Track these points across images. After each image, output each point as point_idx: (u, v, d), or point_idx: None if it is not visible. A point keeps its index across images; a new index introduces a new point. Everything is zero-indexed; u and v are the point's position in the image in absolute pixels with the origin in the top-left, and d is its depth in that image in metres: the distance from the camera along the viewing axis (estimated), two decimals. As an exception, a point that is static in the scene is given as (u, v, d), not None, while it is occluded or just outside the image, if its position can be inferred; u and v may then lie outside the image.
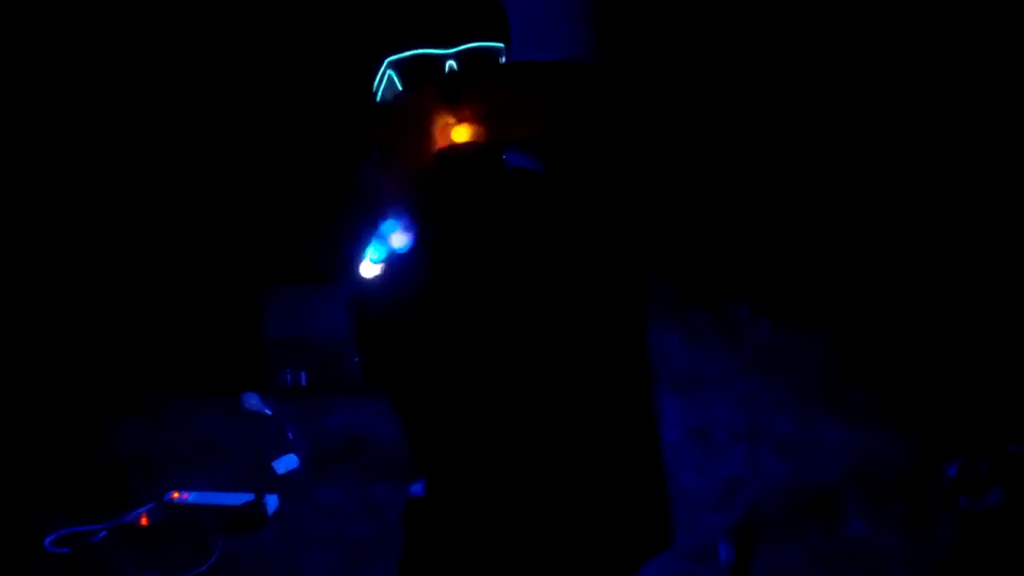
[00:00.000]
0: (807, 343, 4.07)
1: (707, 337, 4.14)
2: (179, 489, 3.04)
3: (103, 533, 2.87)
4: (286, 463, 3.28)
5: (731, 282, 4.38)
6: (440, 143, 1.33)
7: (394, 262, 1.36)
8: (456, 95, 1.35)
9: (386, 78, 1.44)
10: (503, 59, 1.46)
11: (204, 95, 3.94)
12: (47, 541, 2.80)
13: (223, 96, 3.91)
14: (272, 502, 2.99)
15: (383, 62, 1.44)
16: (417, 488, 3.39)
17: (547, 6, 3.98)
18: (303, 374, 3.80)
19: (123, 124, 3.95)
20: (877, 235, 4.27)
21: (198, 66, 3.91)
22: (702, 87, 4.26)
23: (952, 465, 3.12)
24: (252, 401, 3.71)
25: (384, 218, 1.36)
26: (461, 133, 1.32)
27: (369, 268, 1.37)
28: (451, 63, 1.39)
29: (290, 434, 3.50)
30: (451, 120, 1.33)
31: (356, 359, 3.29)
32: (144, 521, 2.91)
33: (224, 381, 3.77)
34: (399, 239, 1.34)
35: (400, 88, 1.42)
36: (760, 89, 4.30)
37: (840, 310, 4.14)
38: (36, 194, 3.88)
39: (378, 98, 1.46)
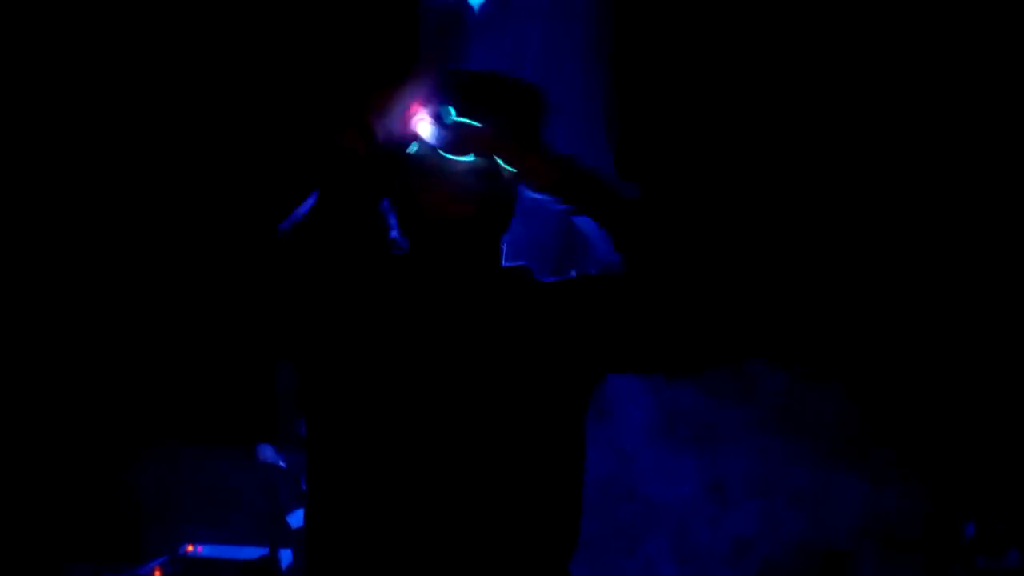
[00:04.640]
0: (823, 397, 4.05)
1: (723, 390, 4.13)
2: (193, 542, 3.04)
3: (117, 587, 2.88)
4: (300, 517, 3.28)
5: (747, 335, 4.37)
6: None
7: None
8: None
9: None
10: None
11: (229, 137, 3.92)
12: (61, 594, 2.81)
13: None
14: (286, 556, 2.99)
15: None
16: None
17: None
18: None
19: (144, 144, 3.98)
20: (895, 291, 4.26)
21: (211, 72, 3.86)
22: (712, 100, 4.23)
23: (970, 524, 3.10)
24: (267, 453, 3.72)
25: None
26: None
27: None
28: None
29: (304, 487, 3.50)
30: None
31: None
32: (158, 574, 2.91)
33: (238, 432, 3.78)
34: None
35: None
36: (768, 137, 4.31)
37: (857, 365, 4.12)
38: (51, 233, 3.91)
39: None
